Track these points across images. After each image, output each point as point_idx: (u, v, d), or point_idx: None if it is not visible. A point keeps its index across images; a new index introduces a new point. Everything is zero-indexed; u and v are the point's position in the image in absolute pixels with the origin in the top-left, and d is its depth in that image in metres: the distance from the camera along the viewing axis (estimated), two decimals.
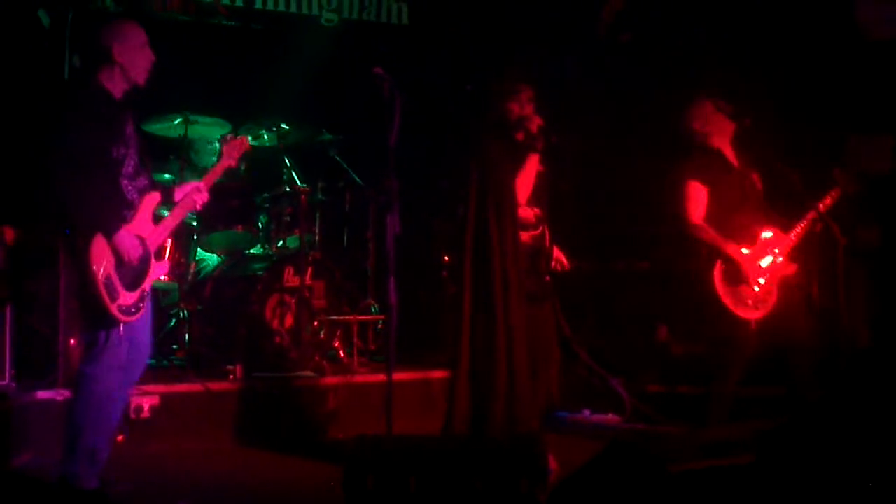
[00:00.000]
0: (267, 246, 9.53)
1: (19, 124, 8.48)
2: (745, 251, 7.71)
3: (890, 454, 4.99)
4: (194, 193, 6.53)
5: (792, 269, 7.86)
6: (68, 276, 7.61)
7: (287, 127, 9.60)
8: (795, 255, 7.88)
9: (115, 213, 6.10)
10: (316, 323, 9.07)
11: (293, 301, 8.97)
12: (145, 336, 6.38)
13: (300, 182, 9.50)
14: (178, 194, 6.54)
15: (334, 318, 9.26)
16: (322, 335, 9.13)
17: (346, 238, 10.28)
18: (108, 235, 6.00)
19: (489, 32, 10.51)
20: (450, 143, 7.64)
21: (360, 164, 9.87)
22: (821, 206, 7.79)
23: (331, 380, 8.56)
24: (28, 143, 8.27)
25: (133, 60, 6.27)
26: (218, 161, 6.90)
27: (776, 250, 7.79)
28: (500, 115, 7.14)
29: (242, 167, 9.19)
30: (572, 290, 8.01)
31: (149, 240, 6.23)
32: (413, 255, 9.09)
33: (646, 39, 10.32)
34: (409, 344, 9.28)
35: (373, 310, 9.66)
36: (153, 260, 6.25)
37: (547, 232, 7.32)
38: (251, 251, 9.55)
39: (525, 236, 7.11)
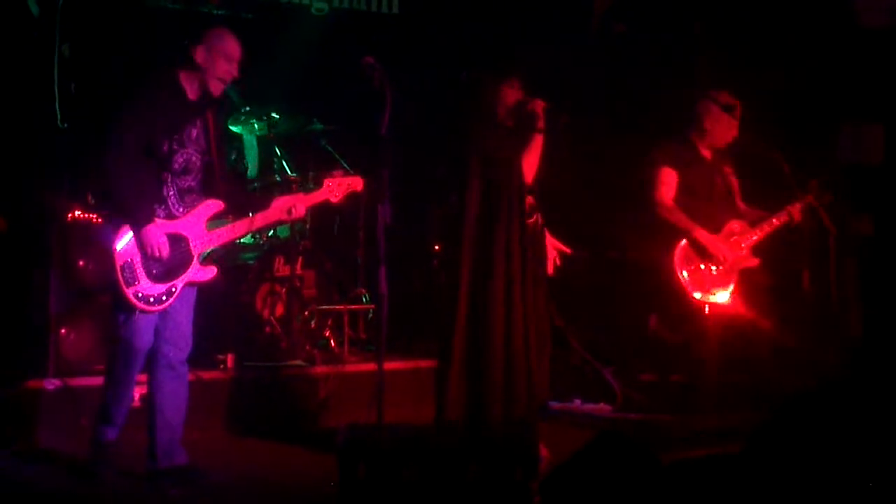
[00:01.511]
0: (257, 235, 9.51)
1: (8, 115, 8.45)
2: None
3: (882, 443, 5.00)
4: (279, 215, 6.79)
5: (754, 262, 7.98)
6: (59, 267, 7.64)
7: (277, 116, 9.59)
8: (759, 249, 8.01)
9: (145, 206, 6.33)
10: (307, 312, 9.08)
11: (284, 291, 8.97)
12: (183, 329, 6.64)
13: (291, 171, 9.49)
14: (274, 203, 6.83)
15: (325, 307, 9.26)
16: (313, 325, 9.14)
17: (336, 227, 10.27)
18: (135, 227, 6.27)
19: (480, 22, 10.50)
20: (444, 132, 7.62)
21: (350, 153, 9.84)
22: (791, 210, 7.92)
23: (322, 369, 8.56)
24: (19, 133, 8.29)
25: (212, 68, 6.51)
26: (315, 190, 7.07)
27: (741, 243, 7.91)
28: (496, 102, 7.13)
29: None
30: (564, 279, 7.99)
31: (193, 241, 6.47)
32: (404, 245, 9.09)
33: (639, 30, 10.32)
34: (399, 333, 9.30)
35: (363, 299, 9.65)
36: (195, 262, 6.49)
37: (540, 220, 7.33)
38: (241, 240, 9.53)
39: None
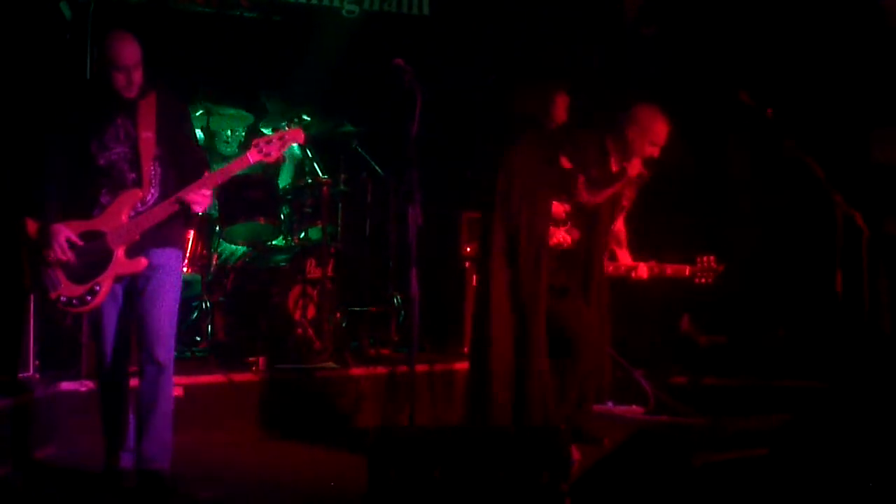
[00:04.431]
0: (289, 237, 9.53)
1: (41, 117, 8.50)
2: None
3: None
4: (194, 194, 6.21)
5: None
6: None
7: (308, 119, 9.60)
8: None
9: (50, 207, 6.18)
10: (338, 314, 9.09)
11: (315, 292, 8.98)
12: (148, 331, 6.29)
13: (322, 174, 9.51)
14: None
15: (357, 309, 9.27)
16: (344, 326, 9.15)
17: (367, 229, 10.27)
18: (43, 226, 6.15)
19: (511, 24, 10.50)
20: (476, 135, 7.63)
21: (381, 155, 9.86)
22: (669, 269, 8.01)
23: (353, 371, 8.56)
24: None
25: (110, 77, 6.23)
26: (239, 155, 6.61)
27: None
28: (530, 110, 7.15)
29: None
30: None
31: (110, 235, 6.15)
32: (435, 246, 9.10)
33: (670, 31, 10.30)
34: (431, 335, 9.30)
35: (395, 301, 9.66)
36: (117, 255, 6.16)
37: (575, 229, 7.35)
38: (273, 243, 9.56)
39: (556, 231, 7.14)
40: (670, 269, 8.08)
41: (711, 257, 8.09)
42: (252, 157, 6.28)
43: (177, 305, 6.43)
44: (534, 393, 6.88)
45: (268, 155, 6.29)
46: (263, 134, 9.65)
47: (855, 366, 7.95)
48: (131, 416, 6.44)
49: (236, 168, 6.36)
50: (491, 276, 6.90)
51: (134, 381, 6.45)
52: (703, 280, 8.10)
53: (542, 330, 6.93)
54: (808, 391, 7.99)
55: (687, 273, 8.10)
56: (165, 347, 6.32)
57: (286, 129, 6.46)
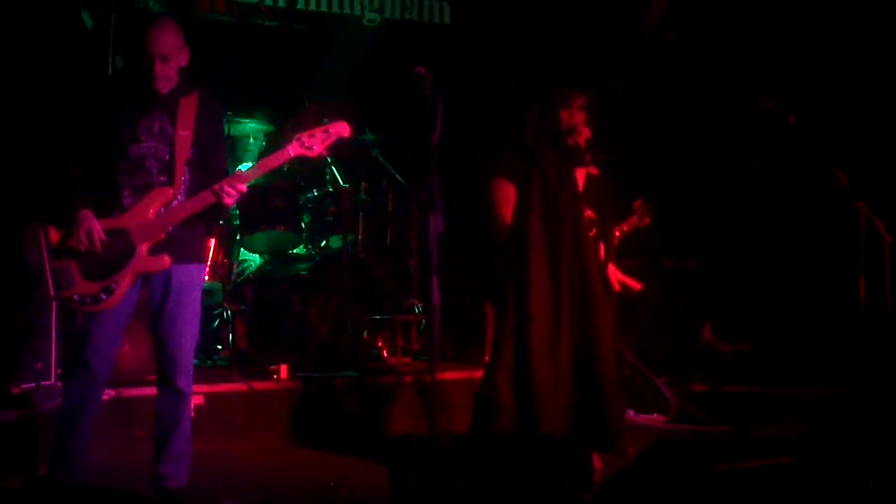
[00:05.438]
0: (310, 246, 9.54)
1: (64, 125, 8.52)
2: None
3: None
4: (230, 186, 5.96)
5: None
6: None
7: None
8: None
9: (79, 193, 5.95)
10: (359, 323, 9.08)
11: (336, 301, 8.98)
12: (167, 350, 6.10)
13: (343, 182, 9.51)
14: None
15: (378, 317, 9.26)
16: (365, 335, 9.14)
17: (388, 237, 10.28)
18: (71, 213, 5.90)
19: (532, 33, 10.50)
20: (500, 145, 7.60)
21: (402, 163, 9.86)
22: (617, 231, 7.95)
23: (374, 379, 8.56)
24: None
25: (145, 68, 6.00)
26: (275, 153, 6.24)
27: None
28: (551, 122, 7.13)
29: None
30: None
31: (134, 232, 5.92)
32: (457, 255, 9.09)
33: (691, 41, 10.29)
34: (453, 343, 9.29)
35: (416, 309, 9.64)
36: (140, 252, 5.92)
37: (601, 234, 7.32)
38: (294, 251, 9.56)
39: None
40: (626, 226, 8.11)
41: (640, 199, 8.13)
42: (293, 150, 6.08)
43: (197, 325, 6.25)
44: (616, 398, 6.85)
45: (310, 149, 6.09)
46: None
47: (879, 373, 7.91)
48: (84, 436, 6.10)
49: (276, 162, 6.16)
50: (526, 284, 6.85)
51: (136, 391, 6.40)
52: (647, 221, 8.10)
53: (569, 334, 6.91)
54: (831, 399, 7.95)
55: (637, 222, 8.12)
56: (185, 375, 6.13)
57: (327, 122, 6.20)
